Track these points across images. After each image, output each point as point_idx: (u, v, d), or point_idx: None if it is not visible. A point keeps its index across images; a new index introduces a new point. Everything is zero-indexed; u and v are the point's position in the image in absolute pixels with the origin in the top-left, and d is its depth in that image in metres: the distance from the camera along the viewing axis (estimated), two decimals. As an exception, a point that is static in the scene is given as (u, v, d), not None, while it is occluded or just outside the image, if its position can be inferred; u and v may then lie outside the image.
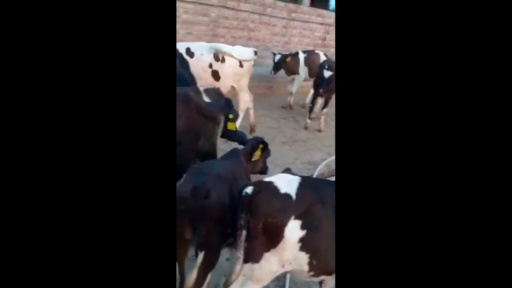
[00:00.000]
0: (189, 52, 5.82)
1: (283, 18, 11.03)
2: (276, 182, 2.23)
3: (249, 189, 2.15)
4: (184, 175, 2.56)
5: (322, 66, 7.38)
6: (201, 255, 2.22)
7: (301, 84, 8.69)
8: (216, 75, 5.90)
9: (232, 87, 6.24)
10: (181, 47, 5.82)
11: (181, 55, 5.44)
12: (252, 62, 6.67)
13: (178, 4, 8.31)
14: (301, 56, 8.46)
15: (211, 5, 8.99)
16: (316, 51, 9.01)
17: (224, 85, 5.76)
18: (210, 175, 2.44)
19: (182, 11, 8.48)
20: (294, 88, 8.59)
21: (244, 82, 6.47)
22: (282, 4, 10.80)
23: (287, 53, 8.67)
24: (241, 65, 6.26)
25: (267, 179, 2.32)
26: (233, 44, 9.54)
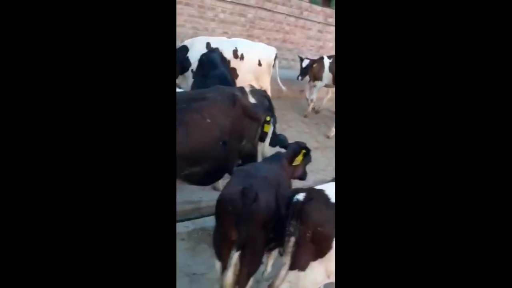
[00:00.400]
0: (209, 47, 5.81)
1: (319, 22, 10.93)
2: (327, 190, 2.18)
3: (300, 196, 2.12)
4: (232, 176, 2.55)
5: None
6: (236, 255, 2.18)
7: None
8: (234, 73, 5.82)
9: (251, 86, 6.18)
10: (201, 41, 5.79)
11: (221, 53, 5.41)
12: (272, 62, 6.62)
13: (216, 3, 8.38)
14: (326, 62, 8.09)
15: (249, 6, 9.01)
16: None
17: (242, 83, 5.66)
18: (257, 178, 2.42)
19: (220, 10, 8.53)
20: (314, 95, 8.20)
21: (265, 81, 6.37)
22: (318, 8, 10.73)
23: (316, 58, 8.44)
24: (260, 64, 6.20)
25: (318, 187, 2.28)
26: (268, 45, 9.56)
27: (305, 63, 8.01)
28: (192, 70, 5.68)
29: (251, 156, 3.35)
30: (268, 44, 9.55)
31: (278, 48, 10.03)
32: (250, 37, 9.21)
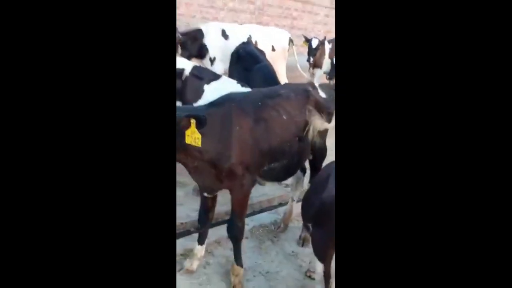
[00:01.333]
0: (224, 34, 5.82)
1: (326, 7, 10.92)
2: None
3: None
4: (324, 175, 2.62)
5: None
6: None
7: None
8: None
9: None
10: (215, 28, 5.78)
11: (255, 46, 5.32)
12: (287, 46, 6.59)
13: (225, -9, 8.41)
14: (327, 48, 7.65)
15: (257, -7, 9.02)
16: None
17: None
18: None
19: (229, -1, 8.56)
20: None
21: (280, 67, 6.29)
22: (325, -8, 10.70)
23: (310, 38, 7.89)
24: (273, 49, 6.21)
25: None
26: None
27: (315, 42, 7.50)
28: (210, 58, 5.74)
29: (321, 151, 3.44)
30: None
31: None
32: (258, 24, 9.22)
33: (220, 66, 5.74)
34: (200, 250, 3.16)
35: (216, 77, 4.20)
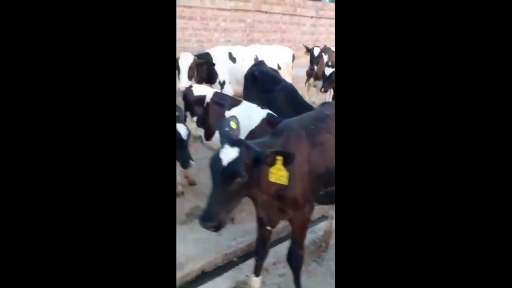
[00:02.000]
0: (231, 57, 5.83)
1: (312, 17, 11.06)
2: None
3: None
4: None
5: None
6: None
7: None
8: None
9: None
10: (222, 52, 5.79)
11: (270, 67, 5.31)
12: (291, 63, 6.65)
13: (217, 12, 8.41)
14: (325, 59, 7.68)
15: (247, 11, 9.07)
16: (332, 48, 8.44)
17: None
18: None
19: (221, 19, 8.57)
20: (315, 97, 7.73)
21: None
22: (310, 3, 10.85)
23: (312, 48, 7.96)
24: (279, 67, 6.22)
25: None
26: (268, 47, 9.60)
27: (316, 51, 7.50)
28: (219, 82, 5.71)
29: None
30: (268, 45, 9.67)
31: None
32: (250, 41, 9.27)
33: (230, 89, 5.72)
34: (257, 282, 3.11)
35: (236, 102, 4.19)
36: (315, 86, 7.93)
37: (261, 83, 4.76)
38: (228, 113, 4.07)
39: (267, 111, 3.95)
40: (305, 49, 7.85)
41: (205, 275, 3.57)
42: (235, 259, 3.80)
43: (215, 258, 3.66)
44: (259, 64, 5.22)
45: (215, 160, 2.16)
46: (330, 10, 11.62)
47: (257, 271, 3.09)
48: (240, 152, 2.15)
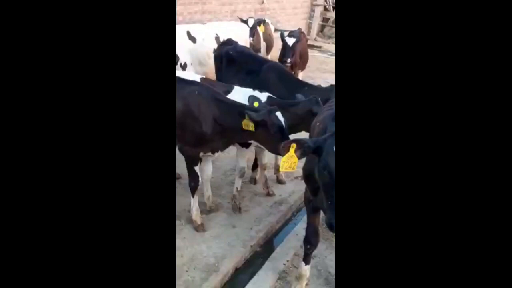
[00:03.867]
0: (190, 36, 5.50)
1: (229, -14, 10.74)
2: None
3: None
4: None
5: (282, 35, 6.55)
6: None
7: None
8: None
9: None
10: (180, 30, 5.38)
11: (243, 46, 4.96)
12: (248, 39, 6.51)
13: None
14: (261, 32, 7.36)
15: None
16: (266, 20, 8.20)
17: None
18: None
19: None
20: None
21: None
22: (227, -29, 10.49)
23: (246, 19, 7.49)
24: None
25: None
26: (190, 19, 9.16)
27: (290, 41, 6.25)
28: (181, 64, 5.29)
29: None
30: (190, 18, 9.21)
31: (199, 21, 9.71)
32: (174, 14, 8.67)
33: (192, 72, 5.34)
34: (307, 270, 3.10)
35: (229, 88, 3.94)
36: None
37: (241, 63, 4.53)
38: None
39: (267, 94, 3.81)
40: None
41: (238, 271, 3.44)
42: (258, 249, 3.72)
43: (243, 252, 3.53)
44: (228, 43, 4.94)
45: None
46: (244, -22, 11.41)
47: (307, 259, 3.07)
48: None
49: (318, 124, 2.95)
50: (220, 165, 4.90)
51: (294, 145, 2.23)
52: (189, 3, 9.36)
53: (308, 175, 2.64)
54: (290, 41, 6.17)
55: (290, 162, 2.26)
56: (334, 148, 2.09)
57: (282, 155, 2.26)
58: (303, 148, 2.24)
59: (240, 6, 11.52)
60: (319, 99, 3.65)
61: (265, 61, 4.50)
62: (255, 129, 3.13)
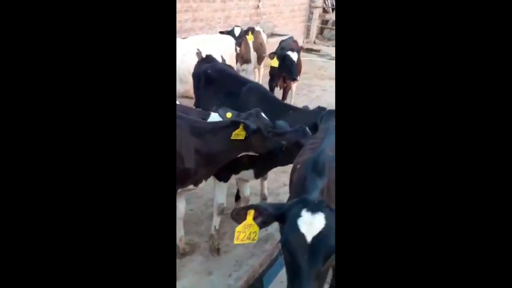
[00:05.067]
0: None
1: (221, -9, 10.33)
2: None
3: None
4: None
5: (284, 48, 6.20)
6: None
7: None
8: None
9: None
10: None
11: (224, 63, 4.53)
12: (234, 52, 6.09)
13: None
14: (250, 42, 6.98)
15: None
16: (256, 28, 7.76)
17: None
18: None
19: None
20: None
21: None
22: (218, -23, 10.08)
23: (232, 28, 7.10)
24: (223, 60, 5.56)
25: None
26: (180, 28, 8.77)
27: (237, 31, 6.56)
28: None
29: None
30: (180, 27, 8.82)
31: (190, 29, 9.31)
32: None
33: (171, 89, 4.90)
34: None
35: (205, 116, 3.51)
36: (244, 70, 7.36)
37: (220, 84, 4.10)
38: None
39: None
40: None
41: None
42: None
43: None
44: (208, 60, 4.50)
45: (297, 237, 1.61)
46: (237, -18, 10.98)
47: None
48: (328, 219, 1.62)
49: (298, 167, 2.50)
50: (201, 194, 4.45)
51: (251, 212, 1.79)
52: (179, 11, 8.97)
53: None
54: (294, 56, 5.77)
55: (248, 233, 1.81)
56: (299, 222, 1.63)
57: (238, 223, 1.81)
58: (262, 216, 1.79)
59: (234, 12, 11.11)
60: (306, 128, 3.22)
61: (245, 82, 4.05)
62: (247, 137, 2.98)
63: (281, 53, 5.87)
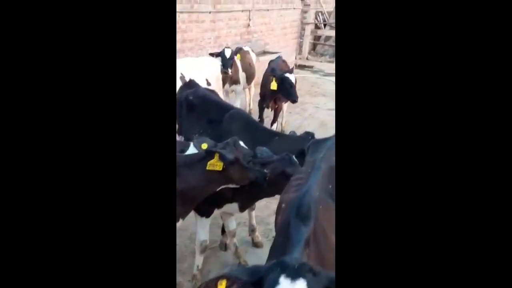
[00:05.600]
0: None
1: (210, 12, 10.25)
2: None
3: None
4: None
5: (274, 69, 6.08)
6: None
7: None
8: None
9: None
10: None
11: (206, 88, 4.39)
12: (220, 76, 5.93)
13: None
14: (238, 62, 6.83)
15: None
16: (245, 48, 7.67)
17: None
18: None
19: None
20: (237, 103, 6.78)
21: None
22: (206, -3, 10.01)
23: (222, 50, 6.86)
24: (208, 83, 5.40)
25: None
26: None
27: (228, 52, 6.32)
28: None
29: None
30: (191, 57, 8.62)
31: (179, 50, 9.16)
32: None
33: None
34: None
35: (184, 147, 3.30)
36: (233, 91, 7.20)
37: (202, 111, 3.90)
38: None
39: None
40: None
41: None
42: None
43: None
44: (190, 85, 4.31)
45: None
46: (226, 3, 10.91)
47: None
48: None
49: (283, 206, 2.29)
50: (186, 226, 4.19)
51: (223, 282, 1.56)
52: (166, 33, 8.89)
53: None
54: (293, 78, 5.65)
55: None
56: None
57: None
58: (237, 285, 1.56)
59: (224, 32, 11.03)
60: (292, 157, 3.01)
61: (228, 108, 3.86)
62: (224, 168, 2.80)
63: (279, 75, 5.72)
